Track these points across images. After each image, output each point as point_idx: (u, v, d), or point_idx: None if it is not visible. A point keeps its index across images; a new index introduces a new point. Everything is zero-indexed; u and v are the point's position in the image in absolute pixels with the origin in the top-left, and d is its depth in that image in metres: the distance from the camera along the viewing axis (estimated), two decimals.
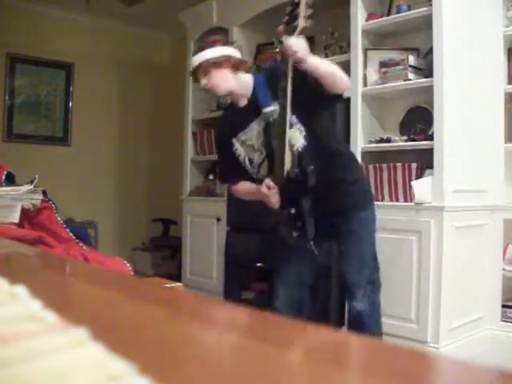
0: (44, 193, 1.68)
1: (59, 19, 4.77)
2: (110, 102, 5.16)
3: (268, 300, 3.28)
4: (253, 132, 2.02)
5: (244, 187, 2.14)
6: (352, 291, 2.08)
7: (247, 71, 2.06)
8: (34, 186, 1.63)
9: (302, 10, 1.67)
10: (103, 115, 5.10)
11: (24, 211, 1.60)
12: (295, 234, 1.96)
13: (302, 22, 1.70)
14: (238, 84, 2.01)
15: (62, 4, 4.62)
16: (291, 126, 1.90)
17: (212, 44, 2.06)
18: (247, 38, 3.89)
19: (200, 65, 1.99)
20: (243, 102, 2.05)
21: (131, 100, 5.28)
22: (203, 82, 2.00)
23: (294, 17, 1.68)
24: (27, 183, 1.64)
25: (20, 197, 1.58)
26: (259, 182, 2.00)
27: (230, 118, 2.12)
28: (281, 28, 1.71)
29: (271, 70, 2.06)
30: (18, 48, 4.57)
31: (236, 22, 3.85)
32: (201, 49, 2.04)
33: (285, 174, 1.87)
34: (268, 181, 1.92)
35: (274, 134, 1.90)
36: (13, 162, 2.07)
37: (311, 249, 1.99)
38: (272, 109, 1.92)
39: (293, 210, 1.94)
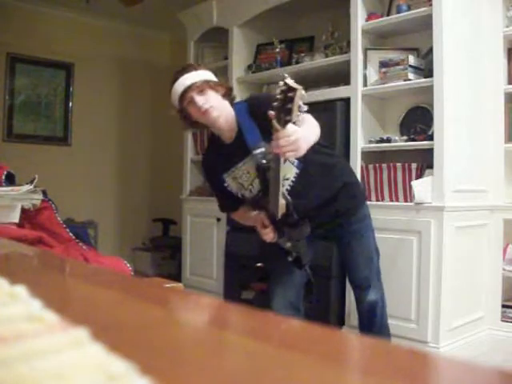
0: (44, 193, 1.68)
1: (59, 19, 4.77)
2: (110, 102, 5.16)
3: (268, 300, 3.28)
4: (242, 171, 1.95)
5: (242, 216, 2.12)
6: (364, 285, 2.14)
7: (231, 103, 1.99)
8: (34, 186, 1.63)
9: (296, 106, 1.52)
10: (103, 115, 5.10)
11: (24, 211, 1.60)
12: (290, 258, 1.96)
13: (294, 117, 1.55)
14: (226, 112, 1.93)
15: (62, 4, 4.62)
16: (284, 161, 1.83)
17: (197, 67, 1.98)
18: (247, 38, 3.89)
19: (194, 84, 1.86)
20: (229, 138, 1.96)
21: (131, 100, 5.29)
22: (200, 101, 1.86)
23: (286, 110, 1.52)
24: (27, 183, 1.65)
25: (20, 197, 1.58)
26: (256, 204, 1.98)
27: (217, 154, 2.01)
28: (272, 114, 1.56)
29: (256, 105, 1.91)
30: (18, 48, 4.57)
31: (236, 22, 3.84)
32: (184, 70, 1.92)
33: (279, 217, 1.83)
34: (263, 218, 1.89)
35: (269, 181, 1.80)
36: (13, 162, 2.08)
37: (306, 272, 2.03)
38: (262, 150, 1.82)
39: (288, 245, 1.91)
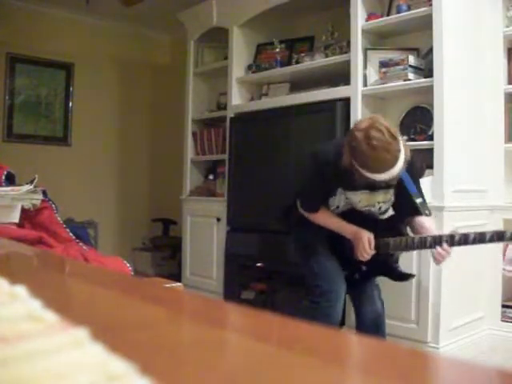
0: (44, 193, 1.68)
1: (59, 19, 4.77)
2: (110, 102, 5.16)
3: (267, 300, 3.28)
4: (361, 198, 2.12)
5: (328, 217, 2.20)
6: (369, 293, 2.26)
7: None
8: (34, 186, 1.63)
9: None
10: (103, 115, 5.10)
11: (24, 211, 1.60)
12: (364, 268, 2.22)
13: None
14: None
15: (62, 4, 4.62)
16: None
17: (398, 153, 1.88)
18: (247, 38, 3.89)
19: (392, 180, 1.94)
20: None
21: (131, 100, 5.28)
22: (392, 182, 1.99)
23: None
24: (27, 183, 1.64)
25: (20, 197, 1.58)
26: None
27: (348, 175, 2.01)
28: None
29: (413, 168, 2.09)
30: (18, 48, 4.57)
31: (236, 22, 3.84)
32: (387, 159, 1.86)
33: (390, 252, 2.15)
34: (371, 238, 2.09)
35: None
36: (13, 162, 2.07)
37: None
38: (421, 201, 2.09)
39: (364, 268, 2.19)
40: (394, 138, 1.87)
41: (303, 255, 2.30)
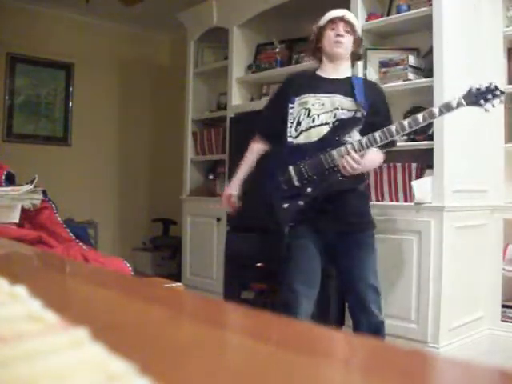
0: (44, 193, 1.68)
1: (59, 19, 4.77)
2: (109, 102, 5.16)
3: (267, 300, 3.27)
4: (320, 101, 2.14)
5: (247, 158, 2.35)
6: (370, 299, 2.08)
7: (354, 59, 2.32)
8: (34, 186, 1.63)
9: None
10: (103, 115, 5.10)
11: (24, 211, 1.60)
12: (302, 203, 2.15)
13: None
14: (345, 61, 2.24)
15: (62, 4, 4.62)
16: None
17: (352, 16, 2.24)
18: (247, 38, 3.89)
19: (345, 16, 2.17)
20: (331, 75, 2.21)
21: (131, 100, 5.28)
22: (340, 31, 2.15)
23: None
24: (27, 183, 1.65)
25: (20, 197, 1.58)
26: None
27: (307, 78, 2.24)
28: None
29: (373, 88, 2.24)
30: (18, 48, 4.58)
31: (236, 22, 3.84)
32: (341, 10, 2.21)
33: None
34: (233, 195, 2.31)
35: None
36: (13, 162, 2.07)
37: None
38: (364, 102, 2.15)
39: (309, 190, 2.13)
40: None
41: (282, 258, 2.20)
